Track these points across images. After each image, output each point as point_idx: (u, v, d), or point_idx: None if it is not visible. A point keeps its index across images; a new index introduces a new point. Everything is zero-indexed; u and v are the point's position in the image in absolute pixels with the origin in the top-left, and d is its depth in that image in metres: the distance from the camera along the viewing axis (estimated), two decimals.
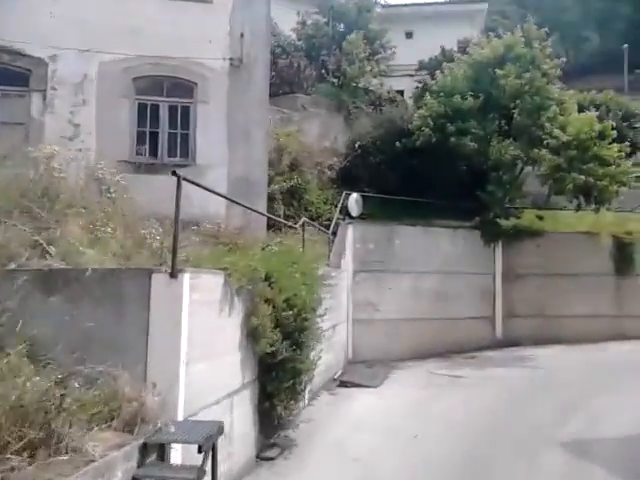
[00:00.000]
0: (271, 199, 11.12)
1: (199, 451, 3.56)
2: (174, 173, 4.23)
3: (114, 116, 8.15)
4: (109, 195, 5.70)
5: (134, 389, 3.79)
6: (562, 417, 7.26)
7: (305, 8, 18.41)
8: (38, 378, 3.14)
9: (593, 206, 12.66)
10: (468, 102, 12.53)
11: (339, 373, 10.00)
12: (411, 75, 18.72)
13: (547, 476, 5.61)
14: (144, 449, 3.54)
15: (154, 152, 8.41)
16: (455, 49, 15.75)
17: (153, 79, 8.43)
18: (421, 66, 17.87)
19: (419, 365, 10.92)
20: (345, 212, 12.17)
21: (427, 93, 13.52)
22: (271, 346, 5.56)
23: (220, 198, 6.95)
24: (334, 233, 11.26)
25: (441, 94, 13.00)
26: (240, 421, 5.38)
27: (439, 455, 6.06)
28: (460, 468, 5.74)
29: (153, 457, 3.58)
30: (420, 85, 16.25)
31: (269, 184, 11.22)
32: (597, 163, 11.93)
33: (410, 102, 16.54)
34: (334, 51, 16.96)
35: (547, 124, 12.15)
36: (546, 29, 13.02)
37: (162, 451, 3.66)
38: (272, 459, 5.85)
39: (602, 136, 12.19)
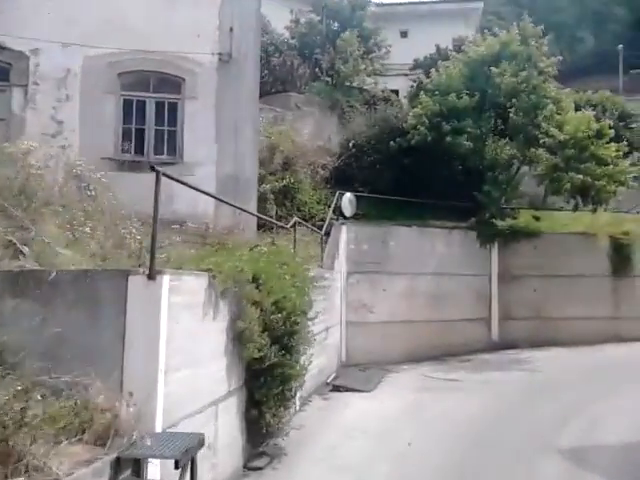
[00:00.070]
0: (263, 199, 10.89)
1: (176, 467, 3.31)
2: (152, 168, 3.99)
3: (99, 112, 7.88)
4: (89, 193, 5.43)
5: (108, 399, 3.53)
6: (560, 423, 7.06)
7: (298, 6, 18.21)
8: None
9: (590, 206, 12.50)
10: (463, 101, 12.35)
11: (332, 377, 9.77)
12: (406, 74, 18.53)
13: None
14: (117, 464, 3.28)
15: (140, 149, 8.15)
16: (450, 48, 15.56)
17: (139, 74, 8.17)
18: (416, 65, 17.69)
19: (414, 368, 10.72)
20: (339, 212, 11.97)
21: (422, 92, 13.34)
22: (259, 351, 5.31)
23: (209, 197, 6.72)
24: (327, 234, 11.04)
25: (436, 93, 12.83)
26: (226, 430, 5.13)
27: (433, 463, 5.83)
28: (455, 477, 5.53)
29: (127, 473, 3.32)
30: (415, 84, 16.07)
31: (261, 183, 10.99)
32: (595, 162, 11.78)
33: (405, 101, 16.36)
34: (328, 49, 16.75)
35: (544, 123, 11.98)
36: (542, 28, 12.85)
37: (137, 466, 3.40)
38: (260, 469, 5.60)
39: (599, 135, 12.04)
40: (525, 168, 13.27)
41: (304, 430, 6.88)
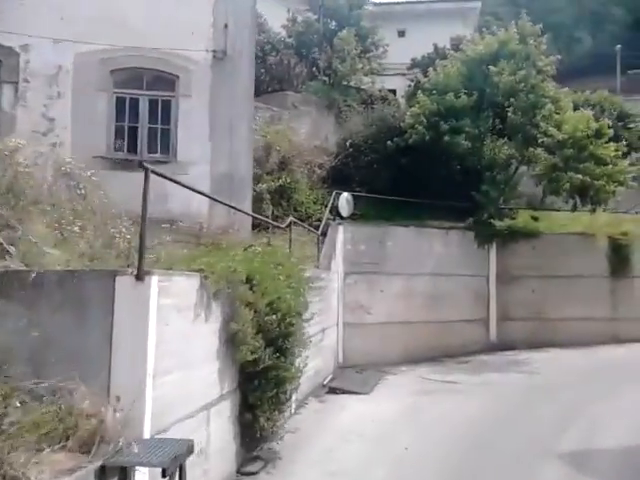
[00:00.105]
0: (259, 199, 10.78)
1: (163, 475, 3.18)
2: (141, 165, 3.86)
3: (91, 110, 7.75)
4: (79, 192, 5.30)
5: (94, 404, 3.40)
6: (559, 426, 6.95)
7: (295, 5, 18.12)
8: None
9: (589, 207, 12.41)
10: (461, 100, 12.25)
11: (329, 378, 9.65)
12: (403, 74, 18.44)
13: None
14: (102, 473, 3.15)
15: (133, 148, 8.01)
16: (448, 47, 15.47)
17: (132, 71, 8.03)
18: (414, 64, 17.60)
19: (411, 370, 10.60)
20: (336, 212, 11.85)
21: (420, 91, 13.24)
22: (253, 353, 5.19)
23: (203, 196, 6.59)
24: (324, 234, 10.91)
25: (434, 92, 12.73)
26: (218, 434, 5.00)
27: (431, 468, 5.72)
28: None
29: None
30: (412, 83, 15.97)
31: (257, 183, 10.88)
32: (593, 162, 11.69)
33: (402, 101, 16.26)
34: (325, 48, 16.64)
35: (542, 122, 11.89)
36: (540, 26, 12.76)
37: (124, 475, 3.27)
38: (254, 474, 5.47)
39: (598, 135, 11.95)
40: (523, 168, 13.19)
41: (299, 433, 6.75)
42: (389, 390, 9.27)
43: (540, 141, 12.04)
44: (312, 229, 10.43)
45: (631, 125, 17.81)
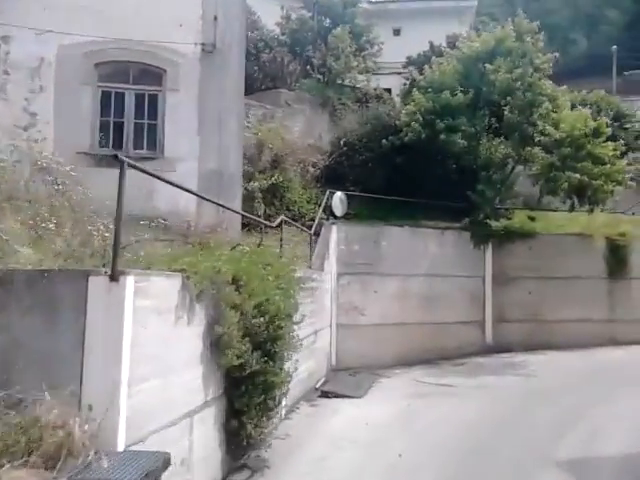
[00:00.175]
0: (251, 197, 10.55)
1: None
2: (116, 157, 3.61)
3: (74, 104, 7.47)
4: (57, 187, 5.04)
5: (62, 413, 3.14)
6: (558, 431, 6.75)
7: (289, 2, 17.90)
8: None
9: (587, 207, 12.24)
10: (457, 98, 12.07)
11: (321, 381, 9.43)
12: (399, 73, 18.24)
13: None
14: None
15: (118, 144, 7.74)
16: (444, 45, 15.29)
17: (118, 65, 7.76)
18: (409, 62, 17.40)
19: (406, 372, 10.41)
20: (329, 211, 11.64)
21: (415, 89, 13.06)
22: (239, 358, 4.93)
23: (190, 193, 6.34)
24: (317, 233, 10.69)
25: (429, 90, 12.55)
26: (202, 443, 4.75)
27: (425, 477, 5.49)
28: None
29: None
30: (408, 82, 15.78)
31: (249, 181, 10.65)
32: (591, 161, 11.51)
33: (397, 100, 16.06)
34: (319, 46, 16.42)
35: (539, 121, 11.71)
36: (537, 23, 12.60)
37: None
38: None
39: (596, 134, 11.78)
40: (520, 167, 13.03)
41: (289, 440, 6.51)
42: (383, 393, 9.07)
43: (537, 140, 11.87)
44: (304, 228, 10.21)
45: (627, 125, 17.71)
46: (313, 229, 10.35)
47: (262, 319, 5.24)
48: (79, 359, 3.48)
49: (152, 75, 7.86)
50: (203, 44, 7.79)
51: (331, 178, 12.83)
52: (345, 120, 14.58)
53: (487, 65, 11.93)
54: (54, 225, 4.59)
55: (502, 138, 12.71)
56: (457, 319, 11.98)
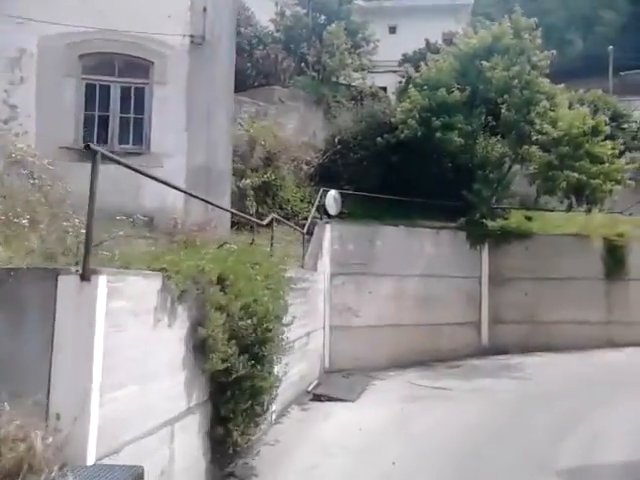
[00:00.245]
0: (242, 195, 10.32)
1: None
2: (87, 147, 3.35)
3: (57, 97, 7.19)
4: (32, 182, 4.77)
5: (25, 425, 2.88)
6: (556, 438, 6.54)
7: None
8: None
9: (585, 207, 12.05)
10: (454, 96, 11.88)
11: (314, 384, 9.20)
12: (394, 71, 18.05)
13: None
14: None
15: (103, 138, 7.47)
16: (440, 43, 15.11)
17: (103, 56, 7.49)
18: (405, 59, 17.21)
19: (400, 375, 10.19)
20: (323, 210, 11.41)
21: (411, 86, 12.84)
22: (224, 362, 4.68)
23: (176, 190, 6.08)
24: (310, 233, 10.46)
25: (425, 87, 12.35)
26: (185, 451, 4.50)
27: None
28: None
29: None
30: (404, 79, 15.57)
31: (240, 179, 10.40)
32: (590, 160, 11.33)
33: (393, 98, 15.86)
34: (314, 43, 16.19)
35: (537, 119, 11.51)
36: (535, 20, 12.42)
37: None
38: None
39: (595, 132, 11.60)
40: (517, 167, 12.84)
41: (279, 446, 6.27)
42: (377, 396, 8.86)
43: (534, 139, 11.67)
44: (297, 227, 9.97)
45: (625, 125, 17.58)
46: (306, 228, 10.13)
47: (249, 321, 5.01)
48: (47, 365, 3.23)
49: (139, 67, 7.59)
50: (192, 36, 7.53)
51: (325, 176, 12.61)
52: (340, 118, 14.37)
53: (484, 62, 11.73)
54: (27, 221, 4.31)
55: (499, 137, 12.54)
56: (452, 320, 11.78)
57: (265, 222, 7.52)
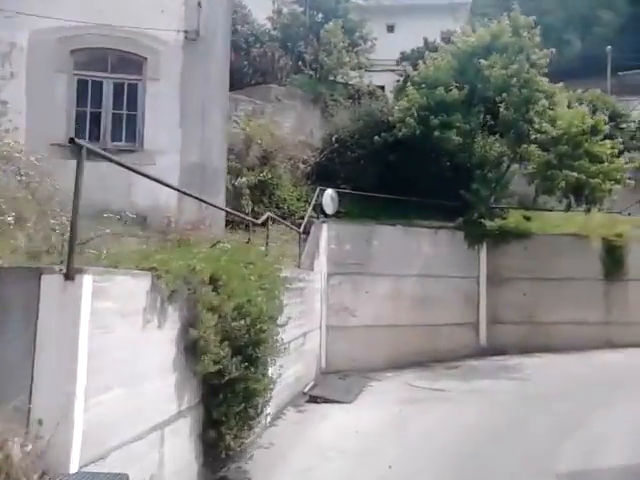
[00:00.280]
0: (238, 194, 10.19)
1: None
2: (72, 141, 3.23)
3: (48, 93, 7.05)
4: (19, 178, 4.64)
5: (4, 432, 2.75)
6: (556, 441, 6.43)
7: None
8: None
9: (584, 206, 11.95)
10: (452, 94, 11.78)
11: (310, 385, 9.08)
12: (392, 70, 17.95)
13: None
14: None
15: (95, 135, 7.34)
16: (439, 41, 15.00)
17: (95, 52, 7.36)
18: (403, 57, 17.09)
19: (398, 376, 10.08)
20: (320, 209, 11.29)
21: (409, 84, 12.73)
22: (216, 363, 4.56)
23: (168, 187, 5.95)
24: (307, 232, 10.34)
25: (423, 85, 12.24)
26: (176, 455, 4.37)
27: None
28: None
29: None
30: (402, 78, 15.46)
31: (236, 177, 10.27)
32: (589, 160, 11.23)
33: (391, 97, 15.74)
34: (311, 41, 16.07)
35: (536, 118, 11.40)
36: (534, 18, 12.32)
37: None
38: None
39: (594, 131, 11.50)
40: (515, 166, 12.74)
41: (274, 449, 6.15)
42: (374, 398, 8.75)
43: (533, 137, 11.57)
44: (293, 226, 9.85)
45: (623, 125, 17.51)
46: (302, 227, 10.01)
47: (243, 322, 4.89)
48: (29, 367, 3.10)
49: (132, 63, 7.46)
50: (186, 31, 7.40)
51: (322, 175, 12.49)
52: (337, 116, 14.25)
53: (482, 61, 11.63)
54: (13, 219, 4.18)
55: (497, 136, 12.44)
56: (450, 321, 11.68)
57: (260, 221, 7.40)
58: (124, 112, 7.49)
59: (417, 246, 11.66)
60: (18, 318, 3.18)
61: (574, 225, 12.66)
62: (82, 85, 7.38)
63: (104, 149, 7.23)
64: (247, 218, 7.96)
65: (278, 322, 5.73)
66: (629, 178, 12.20)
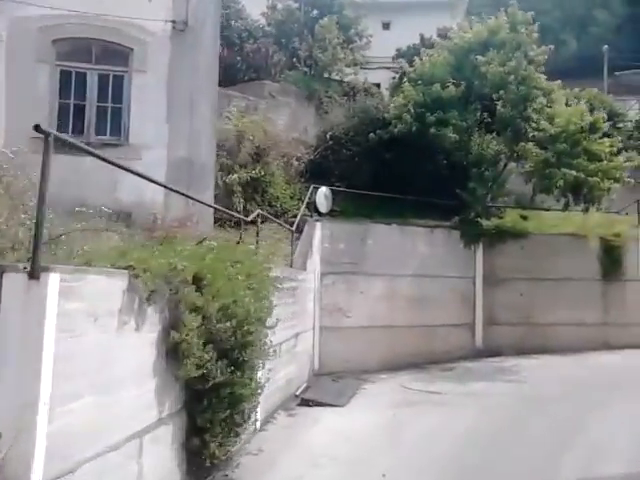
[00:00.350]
0: (229, 191, 9.94)
1: None
2: (37, 128, 2.97)
3: (29, 84, 6.78)
4: None
5: None
6: (555, 447, 6.20)
7: None
8: None
9: (582, 205, 11.78)
10: (449, 91, 11.57)
11: (302, 387, 8.85)
12: (388, 67, 17.73)
13: None
14: None
15: (79, 129, 7.08)
16: (435, 37, 14.79)
17: (79, 42, 7.09)
18: (399, 54, 16.89)
19: (392, 378, 9.88)
20: (313, 208, 11.07)
21: (405, 81, 12.52)
22: (200, 368, 4.31)
23: (153, 183, 5.69)
24: (300, 230, 10.11)
25: (419, 82, 12.03)
26: (156, 464, 4.13)
27: None
28: None
29: None
30: (397, 75, 15.25)
31: (227, 174, 10.02)
32: (587, 158, 11.04)
33: (386, 94, 15.53)
34: (306, 37, 15.83)
35: (533, 115, 11.21)
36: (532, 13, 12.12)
37: None
38: None
39: (593, 129, 11.32)
40: (512, 165, 12.55)
41: (262, 456, 5.90)
42: (367, 401, 8.53)
43: (531, 135, 11.38)
44: (285, 225, 9.61)
45: (620, 125, 17.39)
46: (295, 226, 9.78)
47: (228, 323, 4.63)
48: None
49: (117, 54, 7.20)
50: (174, 21, 7.14)
51: (316, 173, 12.26)
52: (332, 113, 14.03)
53: (479, 57, 11.43)
54: None
55: (494, 134, 12.24)
56: (446, 321, 11.49)
57: (249, 218, 7.14)
58: (109, 105, 7.23)
59: (412, 245, 11.46)
60: None
61: (572, 225, 12.49)
62: (65, 76, 7.11)
63: (87, 143, 6.97)
64: (235, 215, 7.71)
65: (267, 324, 5.49)
66: (628, 177, 12.03)
